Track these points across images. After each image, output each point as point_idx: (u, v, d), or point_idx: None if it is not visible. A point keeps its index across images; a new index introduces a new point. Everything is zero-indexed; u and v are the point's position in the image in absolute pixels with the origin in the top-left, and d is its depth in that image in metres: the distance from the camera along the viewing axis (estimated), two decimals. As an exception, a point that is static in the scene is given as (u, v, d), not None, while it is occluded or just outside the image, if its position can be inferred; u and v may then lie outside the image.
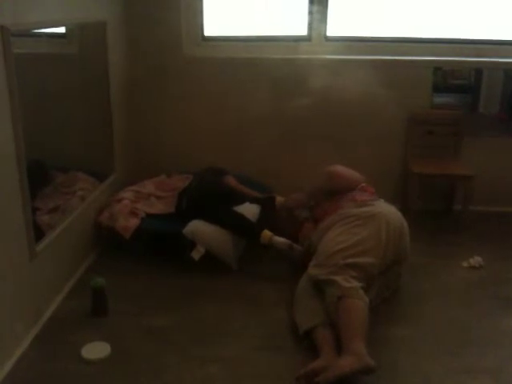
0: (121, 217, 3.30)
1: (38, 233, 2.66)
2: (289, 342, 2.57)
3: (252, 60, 3.89)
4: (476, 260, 3.33)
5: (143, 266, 3.24)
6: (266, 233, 3.18)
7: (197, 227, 3.21)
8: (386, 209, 2.99)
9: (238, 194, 3.53)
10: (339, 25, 3.92)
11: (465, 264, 3.33)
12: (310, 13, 3.87)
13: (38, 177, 3.37)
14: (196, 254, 3.14)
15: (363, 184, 3.22)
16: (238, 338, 2.60)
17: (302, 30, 3.93)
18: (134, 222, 3.29)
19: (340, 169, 3.26)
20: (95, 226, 3.37)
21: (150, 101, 3.99)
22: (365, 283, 2.60)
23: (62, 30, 3.32)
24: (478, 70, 4.06)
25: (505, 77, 4.09)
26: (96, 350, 2.46)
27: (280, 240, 3.17)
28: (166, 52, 3.88)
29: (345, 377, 2.18)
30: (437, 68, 3.92)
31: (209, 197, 3.37)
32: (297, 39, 3.94)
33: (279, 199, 3.53)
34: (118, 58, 3.67)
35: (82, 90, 3.36)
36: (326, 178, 3.26)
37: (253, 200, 3.50)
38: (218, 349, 2.52)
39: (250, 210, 3.37)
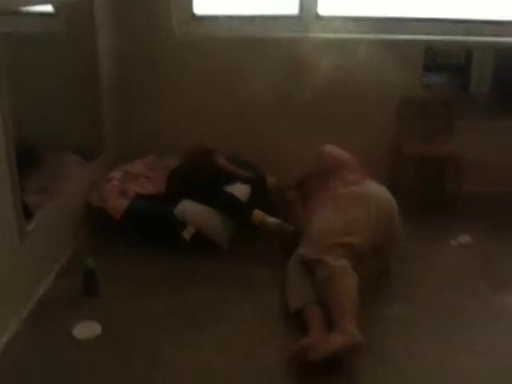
0: (110, 197, 3.29)
1: (27, 213, 2.65)
2: (281, 323, 2.58)
3: (244, 39, 3.85)
4: (464, 238, 3.36)
5: (134, 247, 3.23)
6: (258, 213, 3.19)
7: (187, 207, 3.21)
8: (377, 189, 3.00)
9: (228, 173, 3.52)
10: (331, 4, 3.89)
11: (453, 242, 3.36)
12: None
13: (27, 157, 3.35)
14: (187, 234, 3.14)
15: (354, 164, 3.22)
16: (230, 320, 2.61)
17: (293, 8, 3.90)
18: (123, 203, 3.28)
19: (331, 148, 3.26)
20: (85, 206, 3.36)
21: (139, 80, 3.95)
22: (355, 263, 2.61)
23: (49, 8, 3.28)
24: (469, 50, 4.05)
25: (495, 56, 4.09)
26: (87, 330, 2.47)
27: (271, 220, 3.17)
28: (155, 31, 3.83)
29: (335, 354, 2.20)
30: (428, 48, 3.90)
31: (199, 177, 3.36)
32: (288, 18, 3.90)
33: (271, 179, 3.53)
34: (106, 37, 3.62)
35: (71, 70, 3.32)
36: (318, 157, 3.26)
37: (243, 180, 3.50)
38: (211, 330, 2.52)
39: (240, 190, 3.37)
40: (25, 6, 2.68)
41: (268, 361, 2.31)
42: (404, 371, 2.27)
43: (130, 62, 3.91)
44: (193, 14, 3.91)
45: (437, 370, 2.28)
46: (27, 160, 3.30)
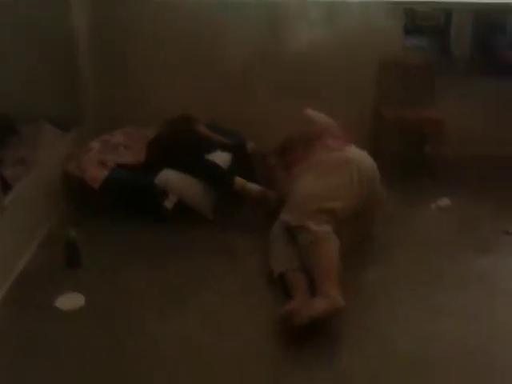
0: (89, 167, 3.25)
1: (5, 186, 2.61)
2: (264, 288, 2.60)
3: (224, 2, 3.76)
4: (444, 201, 3.39)
5: (115, 217, 3.21)
6: (239, 180, 3.18)
7: (169, 176, 3.18)
8: (358, 154, 2.99)
9: (209, 141, 3.49)
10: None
11: (433, 206, 3.39)
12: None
13: (2, 128, 3.29)
14: (169, 203, 3.12)
15: (335, 129, 3.20)
16: (215, 288, 2.61)
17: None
18: (102, 173, 3.24)
19: (313, 113, 3.24)
20: (64, 177, 3.31)
21: (117, 48, 3.87)
22: (337, 228, 2.63)
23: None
24: (448, 12, 4.03)
25: (474, 18, 4.08)
26: (71, 302, 2.45)
27: (253, 187, 3.17)
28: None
29: (318, 318, 2.22)
30: (407, 9, 3.87)
31: (179, 145, 3.33)
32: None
33: (251, 145, 3.50)
34: (81, 2, 3.52)
35: (45, 37, 3.24)
36: (300, 122, 3.24)
37: (224, 147, 3.47)
38: (196, 298, 2.53)
39: (221, 158, 3.35)
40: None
41: (252, 330, 2.33)
42: (385, 334, 2.30)
43: (108, 29, 3.81)
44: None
45: (418, 333, 2.32)
46: (3, 131, 3.24)
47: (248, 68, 3.90)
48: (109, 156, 3.41)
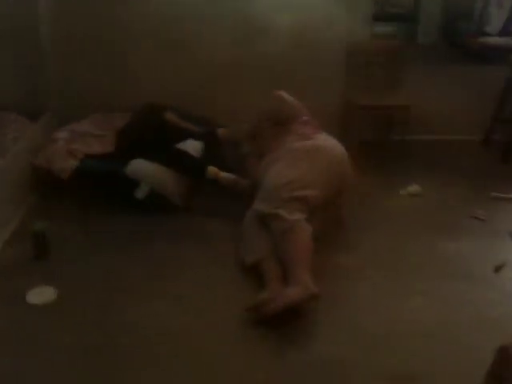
0: (57, 158, 3.19)
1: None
2: (238, 276, 2.61)
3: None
4: (414, 188, 3.45)
5: (86, 208, 3.17)
6: (212, 168, 3.17)
7: (139, 166, 3.15)
8: (328, 142, 3.02)
9: (179, 130, 3.45)
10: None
11: (402, 192, 3.44)
12: None
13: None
14: (140, 193, 3.09)
15: (305, 117, 3.21)
16: (188, 274, 2.62)
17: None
18: (71, 164, 3.18)
19: (285, 94, 3.23)
20: (31, 168, 3.25)
21: (83, 34, 3.78)
22: (308, 215, 2.65)
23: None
24: (417, -1, 4.07)
25: (443, 6, 4.12)
26: (41, 295, 2.42)
27: (226, 175, 3.16)
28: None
29: (292, 305, 2.25)
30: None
31: (150, 135, 3.29)
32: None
33: (221, 131, 3.49)
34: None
35: (9, 26, 3.16)
36: (273, 101, 3.23)
37: (194, 136, 3.44)
38: (167, 286, 2.53)
39: (193, 147, 3.32)
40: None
41: (226, 317, 2.34)
42: (357, 318, 2.35)
43: (73, 14, 3.72)
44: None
45: (388, 316, 2.37)
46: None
47: (213, 54, 3.86)
48: (77, 146, 3.35)
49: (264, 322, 2.25)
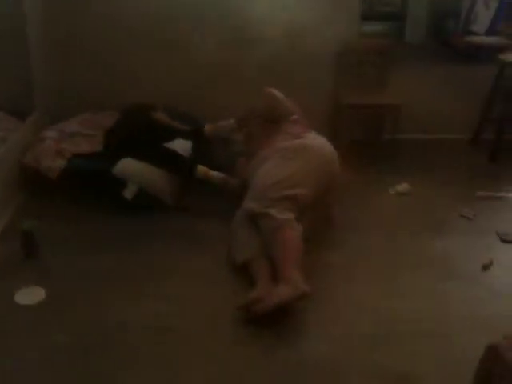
0: (45, 158, 3.17)
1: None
2: (228, 275, 2.61)
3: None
4: (403, 187, 3.46)
5: (74, 207, 3.15)
6: (201, 168, 3.16)
7: (127, 165, 3.14)
8: (318, 141, 3.02)
9: (168, 129, 3.44)
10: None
11: (392, 191, 3.45)
12: None
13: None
14: (128, 193, 3.08)
15: (296, 116, 3.22)
16: (179, 274, 2.62)
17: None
18: (60, 163, 3.17)
19: (277, 92, 3.24)
20: (20, 167, 3.22)
21: (71, 33, 3.75)
22: (298, 214, 2.66)
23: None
24: (404, -1, 4.09)
25: (430, 4, 4.15)
26: (30, 295, 2.41)
27: (215, 174, 3.16)
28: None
29: (282, 304, 2.26)
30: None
31: (138, 134, 3.27)
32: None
33: (208, 127, 3.48)
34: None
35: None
36: (265, 98, 3.23)
37: (182, 134, 3.43)
38: (157, 285, 2.53)
39: (182, 146, 3.31)
40: None
41: (216, 316, 2.34)
42: (346, 316, 2.37)
43: (63, 13, 3.70)
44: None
45: (376, 314, 2.38)
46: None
47: (206, 53, 3.86)
48: (65, 145, 3.33)
49: (255, 321, 2.26)
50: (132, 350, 2.15)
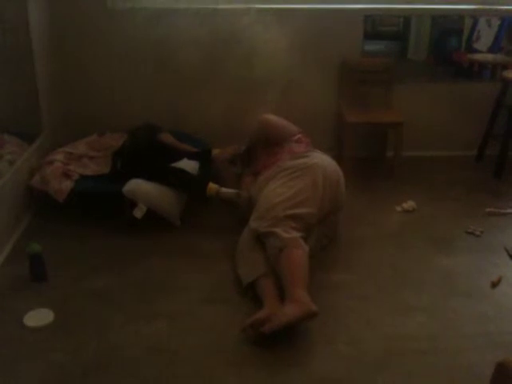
0: (53, 180, 3.19)
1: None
2: (234, 295, 2.61)
3: (177, 9, 3.76)
4: (409, 204, 3.46)
5: (81, 228, 3.16)
6: (212, 185, 3.17)
7: (137, 185, 3.14)
8: (322, 159, 3.04)
9: (175, 150, 3.47)
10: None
11: (398, 208, 3.45)
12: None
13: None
14: (138, 213, 3.08)
15: (299, 135, 3.24)
16: (183, 293, 2.62)
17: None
18: (67, 185, 3.19)
19: (272, 118, 3.26)
20: (27, 190, 3.25)
21: (76, 56, 3.81)
22: (304, 233, 2.67)
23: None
24: (407, 17, 4.12)
25: (432, 23, 4.18)
26: (39, 317, 2.41)
27: (227, 190, 3.16)
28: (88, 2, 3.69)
29: (290, 324, 2.25)
30: (367, 16, 3.94)
31: (145, 155, 3.30)
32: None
33: (216, 151, 3.50)
34: (38, 9, 3.46)
35: (2, 48, 3.17)
36: (259, 127, 3.26)
37: (190, 156, 3.45)
38: (164, 305, 2.53)
39: (189, 166, 3.33)
40: None
41: (222, 336, 2.34)
42: (354, 334, 2.36)
43: (66, 35, 3.75)
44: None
45: (384, 332, 2.38)
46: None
47: (210, 76, 3.90)
48: (72, 167, 3.36)
49: (261, 341, 2.25)
50: (131, 370, 2.14)
